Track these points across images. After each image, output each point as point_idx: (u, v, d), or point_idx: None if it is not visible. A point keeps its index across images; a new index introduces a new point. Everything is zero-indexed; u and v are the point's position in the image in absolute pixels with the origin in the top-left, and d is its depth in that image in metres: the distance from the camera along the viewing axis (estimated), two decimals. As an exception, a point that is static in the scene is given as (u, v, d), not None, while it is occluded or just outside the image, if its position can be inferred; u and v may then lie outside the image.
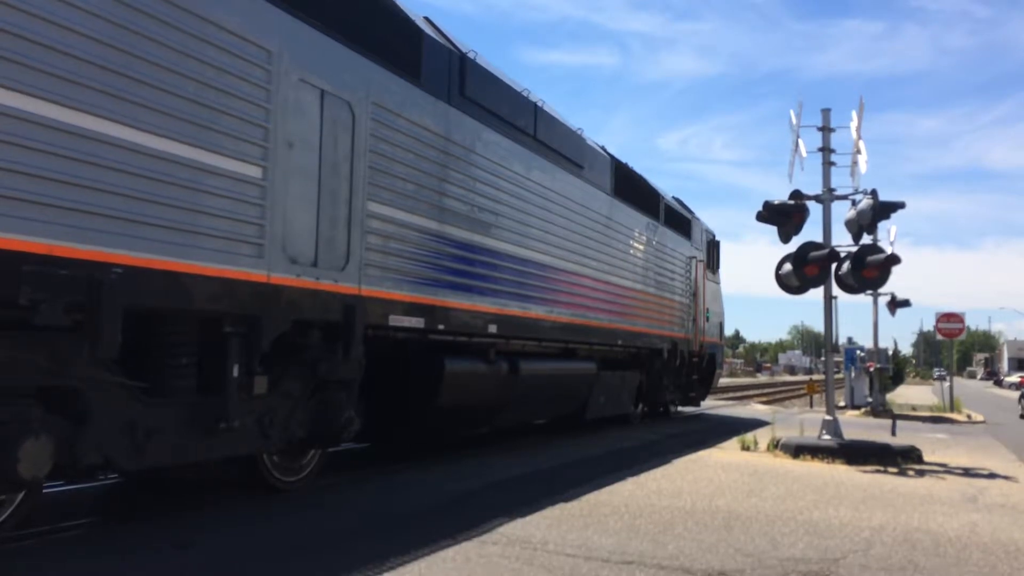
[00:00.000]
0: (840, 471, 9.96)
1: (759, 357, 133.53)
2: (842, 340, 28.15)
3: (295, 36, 6.49)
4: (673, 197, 17.31)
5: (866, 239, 12.67)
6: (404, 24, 8.22)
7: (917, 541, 6.12)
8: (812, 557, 5.50)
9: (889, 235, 20.37)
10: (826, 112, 12.24)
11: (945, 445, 14.03)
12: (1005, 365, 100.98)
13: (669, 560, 5.26)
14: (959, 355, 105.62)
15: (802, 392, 35.14)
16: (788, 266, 11.73)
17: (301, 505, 6.72)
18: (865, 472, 9.97)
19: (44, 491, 5.61)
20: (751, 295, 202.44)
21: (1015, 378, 63.96)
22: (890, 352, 30.38)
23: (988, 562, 5.58)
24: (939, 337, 26.69)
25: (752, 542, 5.86)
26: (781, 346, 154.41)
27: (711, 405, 23.17)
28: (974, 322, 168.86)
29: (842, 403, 23.85)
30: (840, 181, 12.29)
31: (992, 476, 10.13)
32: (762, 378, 76.76)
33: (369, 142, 7.33)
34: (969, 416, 23.67)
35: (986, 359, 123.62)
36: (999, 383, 73.41)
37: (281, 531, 5.86)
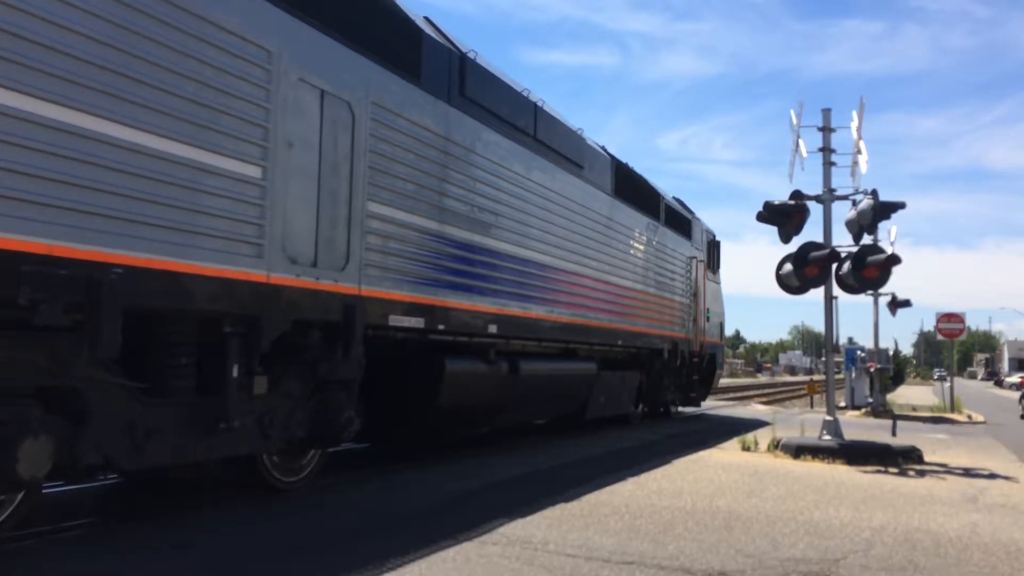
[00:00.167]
0: (841, 471, 9.96)
1: (759, 357, 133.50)
2: (843, 340, 28.21)
3: (295, 36, 6.49)
4: (673, 197, 17.31)
5: (866, 239, 12.69)
6: (404, 24, 8.22)
7: (918, 541, 6.11)
8: (812, 557, 5.49)
9: (889, 235, 20.42)
10: (826, 112, 12.23)
11: (945, 445, 14.02)
12: (1006, 365, 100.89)
13: (669, 560, 5.26)
14: (959, 355, 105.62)
15: (802, 392, 35.13)
16: (788, 266, 11.73)
17: (301, 505, 6.72)
18: (866, 472, 9.96)
19: (44, 491, 5.62)
20: (751, 295, 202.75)
21: (1015, 378, 63.91)
22: (891, 352, 30.36)
23: (988, 562, 5.57)
24: (939, 337, 26.64)
25: (753, 542, 5.86)
26: (781, 346, 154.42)
27: (711, 405, 23.16)
28: (974, 322, 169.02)
29: (842, 403, 23.83)
30: (840, 181, 12.28)
31: (992, 476, 10.12)
32: (762, 378, 76.70)
33: (369, 142, 7.33)
34: (969, 416, 23.64)
35: (987, 359, 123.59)
36: (1000, 383, 73.35)
37: (281, 531, 5.86)
